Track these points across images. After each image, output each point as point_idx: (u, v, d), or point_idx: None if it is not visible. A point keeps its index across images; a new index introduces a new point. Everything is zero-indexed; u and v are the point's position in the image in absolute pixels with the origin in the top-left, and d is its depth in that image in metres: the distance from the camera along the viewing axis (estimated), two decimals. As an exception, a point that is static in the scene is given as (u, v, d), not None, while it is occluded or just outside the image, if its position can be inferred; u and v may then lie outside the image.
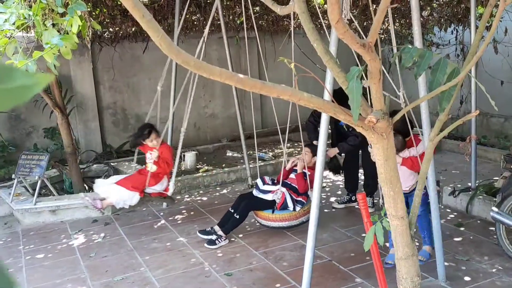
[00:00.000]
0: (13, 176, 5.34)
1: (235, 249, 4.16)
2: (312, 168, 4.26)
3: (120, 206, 4.55)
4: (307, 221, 4.25)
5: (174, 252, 4.15)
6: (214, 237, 4.21)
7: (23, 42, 3.06)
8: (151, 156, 4.57)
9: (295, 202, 4.20)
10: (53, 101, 5.45)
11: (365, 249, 1.99)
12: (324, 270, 3.66)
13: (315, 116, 4.73)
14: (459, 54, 7.84)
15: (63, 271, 3.89)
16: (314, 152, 4.25)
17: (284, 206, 4.18)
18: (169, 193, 4.76)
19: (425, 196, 3.44)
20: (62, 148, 6.26)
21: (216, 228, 4.27)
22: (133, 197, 4.48)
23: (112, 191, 4.45)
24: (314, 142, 4.54)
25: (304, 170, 4.24)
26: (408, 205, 3.57)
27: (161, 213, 5.21)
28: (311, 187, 4.20)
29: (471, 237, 4.17)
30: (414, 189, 3.57)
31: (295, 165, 4.34)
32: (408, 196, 3.62)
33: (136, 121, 7.77)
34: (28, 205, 5.04)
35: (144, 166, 4.85)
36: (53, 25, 2.55)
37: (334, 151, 4.73)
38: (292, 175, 4.34)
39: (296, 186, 4.23)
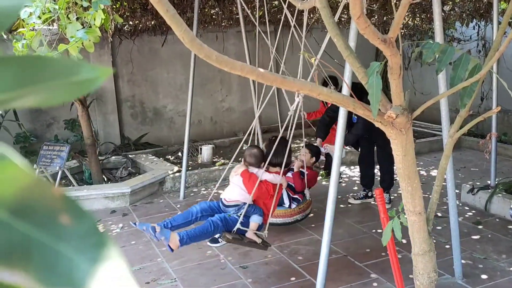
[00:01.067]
0: (34, 166, 5.46)
1: (250, 242, 4.19)
2: (309, 168, 4.33)
3: None
4: (302, 219, 4.29)
5: (190, 244, 4.20)
6: (217, 235, 4.24)
7: (47, 35, 3.12)
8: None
9: (291, 199, 4.23)
10: (74, 93, 5.53)
11: (383, 244, 2.00)
12: (339, 265, 3.66)
13: (329, 111, 4.72)
14: (481, 50, 7.70)
15: (82, 260, 3.98)
16: (313, 153, 4.37)
17: (280, 203, 4.16)
18: None
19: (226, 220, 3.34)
20: (82, 140, 6.37)
21: None
22: None
23: None
24: (318, 140, 4.60)
25: (301, 169, 4.25)
26: (219, 218, 3.33)
27: (178, 205, 5.27)
28: (308, 186, 4.28)
29: (489, 235, 4.13)
30: (232, 205, 3.45)
31: (293, 164, 4.36)
32: (224, 210, 3.48)
33: (154, 114, 7.85)
34: (48, 195, 5.15)
35: None
36: (77, 18, 2.60)
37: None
38: (289, 174, 4.35)
39: (293, 184, 4.24)
